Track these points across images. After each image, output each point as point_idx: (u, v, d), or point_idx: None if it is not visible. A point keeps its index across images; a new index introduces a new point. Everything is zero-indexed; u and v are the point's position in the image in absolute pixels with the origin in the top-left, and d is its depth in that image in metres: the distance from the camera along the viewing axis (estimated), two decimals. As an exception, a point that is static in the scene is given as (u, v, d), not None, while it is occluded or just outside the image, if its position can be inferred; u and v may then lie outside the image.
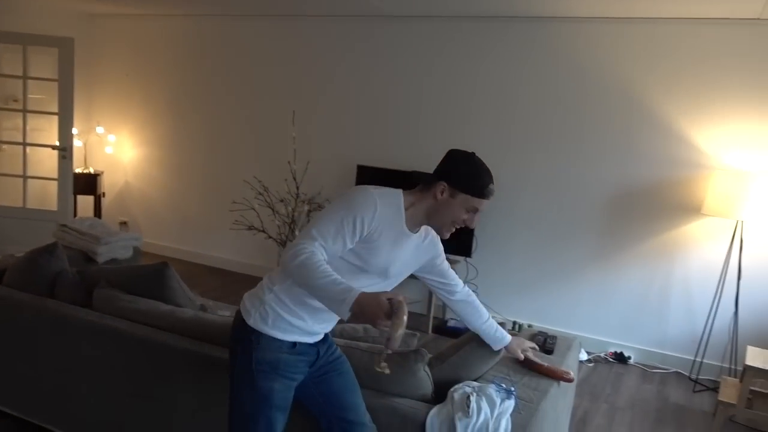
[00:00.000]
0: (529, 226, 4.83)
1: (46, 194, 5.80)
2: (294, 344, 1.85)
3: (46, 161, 5.68)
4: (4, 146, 5.80)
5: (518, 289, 4.89)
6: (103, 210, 6.50)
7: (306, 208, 5.27)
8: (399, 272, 1.94)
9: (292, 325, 1.83)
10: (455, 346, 2.29)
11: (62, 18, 6.19)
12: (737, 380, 3.70)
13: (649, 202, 4.45)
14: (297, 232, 5.27)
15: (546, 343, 2.63)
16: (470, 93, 4.90)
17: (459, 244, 4.73)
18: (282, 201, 5.39)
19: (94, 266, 3.45)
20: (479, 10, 4.55)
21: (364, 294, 1.58)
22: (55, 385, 2.81)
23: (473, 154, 1.86)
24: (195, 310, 2.64)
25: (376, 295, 1.57)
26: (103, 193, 6.49)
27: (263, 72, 5.73)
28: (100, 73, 6.55)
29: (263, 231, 5.38)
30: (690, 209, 4.32)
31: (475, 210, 1.83)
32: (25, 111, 5.55)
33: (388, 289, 1.91)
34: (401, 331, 1.58)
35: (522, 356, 2.31)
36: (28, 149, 5.64)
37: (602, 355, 4.57)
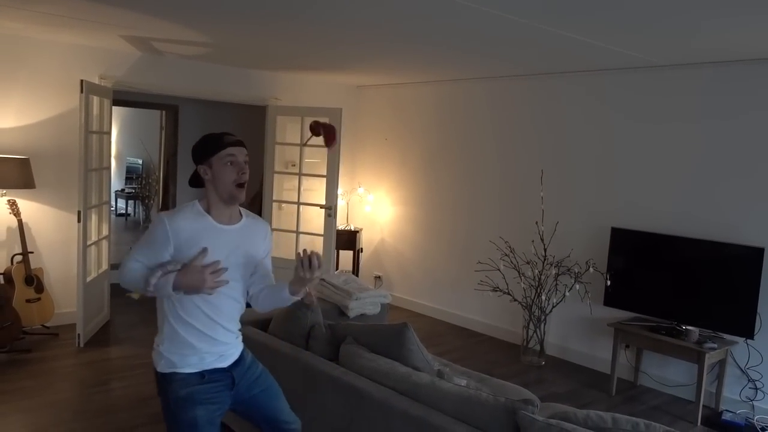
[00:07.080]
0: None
1: (313, 248, 6.39)
2: (202, 375, 2.05)
3: (315, 219, 6.31)
4: (283, 205, 6.60)
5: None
6: (360, 264, 6.98)
7: (554, 271, 5.00)
8: (230, 260, 2.11)
9: (184, 349, 2.03)
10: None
11: (334, 91, 6.94)
12: None
13: None
14: (544, 296, 5.01)
15: None
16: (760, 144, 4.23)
17: (735, 320, 3.96)
18: (528, 263, 5.19)
19: (344, 321, 3.65)
20: None
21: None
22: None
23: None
24: (432, 375, 2.60)
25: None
26: (361, 249, 6.98)
27: (509, 132, 5.69)
28: (362, 139, 7.17)
29: (508, 293, 5.23)
30: None
31: (233, 159, 2.06)
32: (300, 174, 6.27)
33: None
34: None
35: (303, 276, 2.25)
36: (301, 207, 6.33)
37: None
